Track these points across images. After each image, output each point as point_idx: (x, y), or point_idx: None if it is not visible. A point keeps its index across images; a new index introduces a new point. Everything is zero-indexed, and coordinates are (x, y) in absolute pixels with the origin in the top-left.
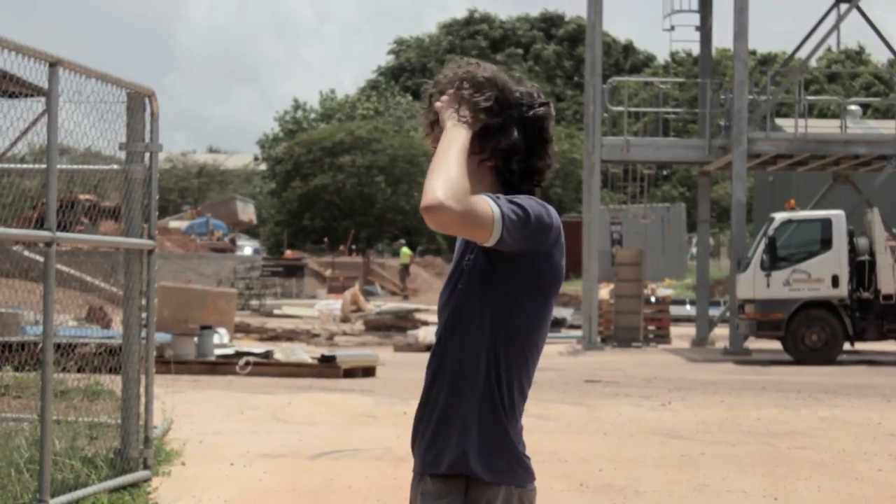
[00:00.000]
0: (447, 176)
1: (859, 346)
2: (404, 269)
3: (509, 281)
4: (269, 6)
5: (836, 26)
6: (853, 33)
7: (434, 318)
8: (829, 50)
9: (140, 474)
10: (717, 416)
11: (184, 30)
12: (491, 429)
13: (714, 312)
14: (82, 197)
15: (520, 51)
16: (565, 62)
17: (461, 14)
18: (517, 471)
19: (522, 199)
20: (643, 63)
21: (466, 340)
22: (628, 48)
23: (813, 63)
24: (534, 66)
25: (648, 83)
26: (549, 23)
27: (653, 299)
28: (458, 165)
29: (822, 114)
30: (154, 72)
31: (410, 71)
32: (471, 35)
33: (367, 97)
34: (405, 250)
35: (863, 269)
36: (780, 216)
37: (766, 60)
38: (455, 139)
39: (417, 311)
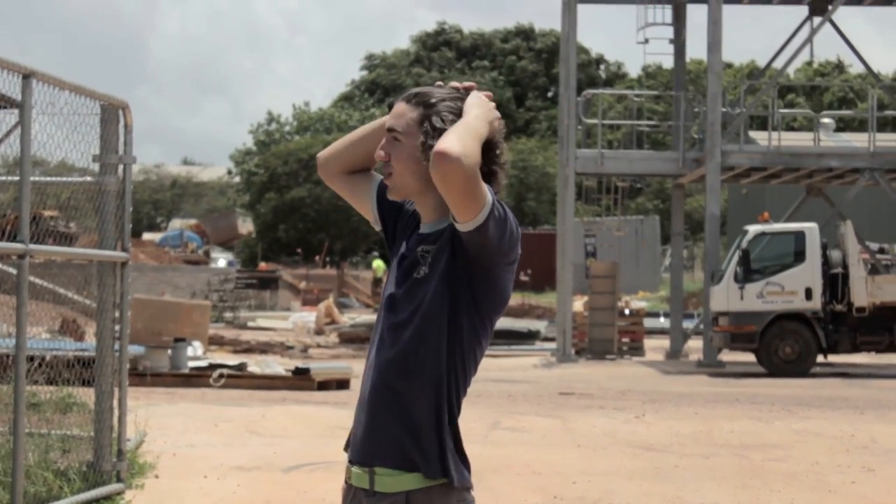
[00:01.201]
0: (469, 141)
1: (832, 358)
2: (377, 282)
3: (466, 285)
4: (240, 18)
5: (809, 39)
6: (833, 47)
7: None
8: (808, 63)
9: (113, 487)
10: (690, 429)
11: (156, 41)
12: (434, 426)
13: (688, 325)
14: (47, 213)
15: (486, 63)
16: (540, 78)
17: (430, 27)
18: (458, 471)
19: (505, 207)
20: (615, 75)
21: (422, 330)
22: (599, 60)
23: (791, 75)
24: (505, 77)
25: (623, 96)
26: (524, 36)
27: (627, 312)
28: (477, 142)
29: (800, 126)
30: (126, 83)
31: (383, 87)
32: (440, 45)
33: (342, 108)
34: (378, 263)
35: (836, 282)
36: (753, 229)
37: (737, 73)
38: (483, 123)
39: None
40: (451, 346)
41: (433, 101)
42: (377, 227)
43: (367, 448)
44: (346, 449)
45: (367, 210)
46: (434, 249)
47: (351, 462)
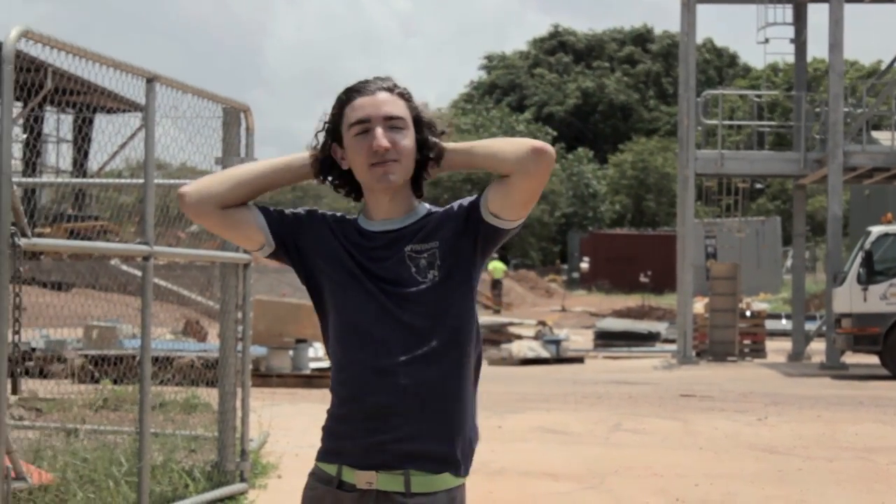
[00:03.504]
0: None
1: None
2: (495, 284)
3: (475, 282)
4: (354, 22)
5: None
6: None
7: (527, 331)
8: None
9: (237, 487)
10: (813, 431)
11: (270, 46)
12: (472, 426)
13: (810, 327)
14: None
15: (605, 64)
16: (664, 81)
17: (542, 29)
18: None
19: None
20: (745, 71)
21: (466, 337)
22: (735, 58)
23: None
24: (621, 77)
25: (744, 95)
26: (641, 38)
27: (748, 313)
28: None
29: None
30: (241, 87)
31: (502, 88)
32: (556, 48)
33: (463, 111)
34: (498, 265)
35: None
36: (876, 230)
37: (863, 73)
38: None
39: (511, 324)
40: (477, 344)
41: (411, 97)
42: (265, 251)
43: (398, 453)
44: (324, 460)
45: (251, 235)
46: (440, 249)
47: (359, 467)
